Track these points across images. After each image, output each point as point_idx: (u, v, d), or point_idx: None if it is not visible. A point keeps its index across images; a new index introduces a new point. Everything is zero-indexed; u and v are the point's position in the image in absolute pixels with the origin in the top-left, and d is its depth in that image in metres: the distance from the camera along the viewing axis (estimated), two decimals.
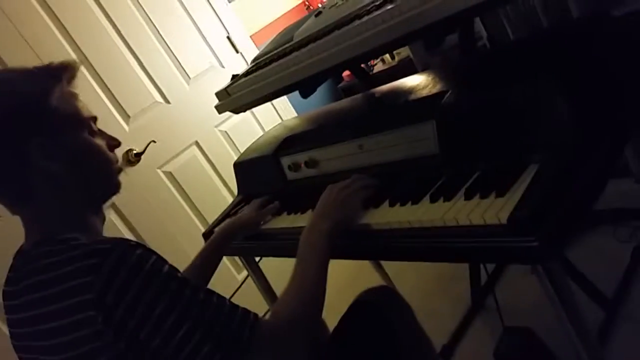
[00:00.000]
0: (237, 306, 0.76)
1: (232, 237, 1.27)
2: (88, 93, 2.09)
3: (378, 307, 1.10)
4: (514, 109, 0.82)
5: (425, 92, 1.10)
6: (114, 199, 2.02)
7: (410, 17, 0.89)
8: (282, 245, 1.20)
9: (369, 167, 1.11)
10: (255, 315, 0.77)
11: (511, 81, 0.87)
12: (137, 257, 0.71)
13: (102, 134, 0.90)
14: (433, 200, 0.85)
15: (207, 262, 1.23)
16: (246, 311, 0.77)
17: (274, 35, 1.71)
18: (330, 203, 0.98)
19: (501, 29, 1.56)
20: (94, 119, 0.88)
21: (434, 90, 1.06)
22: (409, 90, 1.19)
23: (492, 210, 0.72)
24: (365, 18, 1.00)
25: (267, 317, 0.81)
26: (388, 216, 0.91)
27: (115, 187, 0.91)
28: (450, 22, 0.88)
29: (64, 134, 0.82)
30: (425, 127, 0.95)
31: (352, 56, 1.05)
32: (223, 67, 2.58)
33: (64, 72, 0.85)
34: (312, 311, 0.85)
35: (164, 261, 0.74)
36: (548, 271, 0.73)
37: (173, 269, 0.75)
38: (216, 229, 1.30)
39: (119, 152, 2.09)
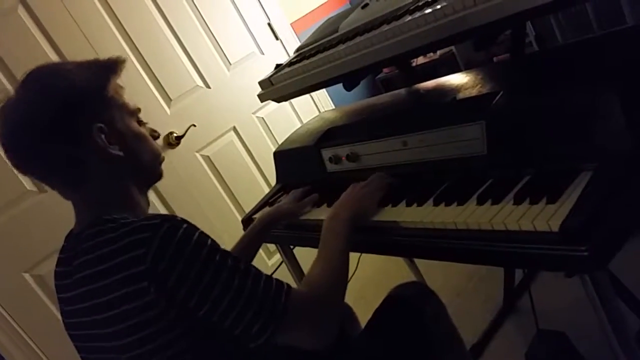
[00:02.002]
0: (271, 276, 0.81)
1: (272, 225, 1.30)
2: (132, 75, 2.14)
3: (412, 303, 1.11)
4: (568, 115, 0.81)
5: (474, 92, 1.08)
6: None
7: (464, 17, 0.89)
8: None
9: (412, 164, 1.11)
10: (288, 284, 0.82)
11: (566, 86, 0.86)
12: (184, 230, 0.75)
13: (145, 124, 0.95)
14: (480, 202, 0.85)
15: (248, 247, 1.27)
16: (280, 281, 0.82)
17: (315, 24, 1.71)
18: (350, 198, 1.07)
19: (549, 29, 1.53)
20: (139, 110, 0.94)
21: (484, 91, 1.05)
22: (456, 89, 1.18)
23: (543, 217, 0.71)
24: (417, 14, 0.99)
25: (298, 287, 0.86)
26: (432, 216, 0.91)
27: (159, 175, 0.98)
28: (503, 24, 0.87)
29: (118, 121, 0.87)
30: (474, 127, 0.94)
31: (402, 52, 1.05)
32: (263, 53, 2.60)
33: (118, 66, 0.90)
34: (339, 287, 0.90)
35: (207, 235, 0.79)
36: (594, 280, 0.73)
37: (215, 242, 0.79)
38: (257, 217, 1.32)
39: (161, 134, 2.17)
